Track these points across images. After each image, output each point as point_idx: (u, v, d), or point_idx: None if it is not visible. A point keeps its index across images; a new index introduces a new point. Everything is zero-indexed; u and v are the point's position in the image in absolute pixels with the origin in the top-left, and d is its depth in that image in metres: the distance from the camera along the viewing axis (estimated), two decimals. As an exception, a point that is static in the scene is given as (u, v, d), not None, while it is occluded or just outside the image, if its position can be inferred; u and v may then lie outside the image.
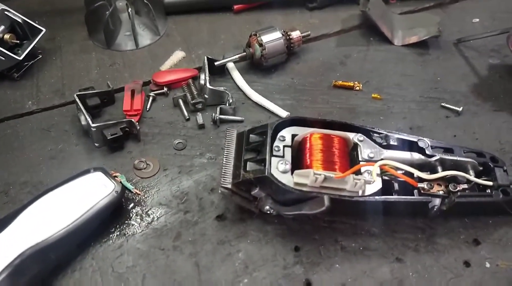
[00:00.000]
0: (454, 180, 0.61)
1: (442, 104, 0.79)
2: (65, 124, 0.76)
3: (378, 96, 0.81)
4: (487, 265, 0.59)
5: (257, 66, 0.85)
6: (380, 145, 0.64)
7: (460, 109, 0.78)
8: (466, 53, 0.90)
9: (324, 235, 0.62)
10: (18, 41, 0.83)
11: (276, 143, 0.62)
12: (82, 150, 0.72)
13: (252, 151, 0.63)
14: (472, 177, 0.61)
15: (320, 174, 0.54)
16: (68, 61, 0.87)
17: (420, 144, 0.64)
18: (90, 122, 0.69)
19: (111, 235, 0.62)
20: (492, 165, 0.63)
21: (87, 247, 0.60)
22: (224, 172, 0.60)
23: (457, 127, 0.76)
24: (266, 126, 0.63)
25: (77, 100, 0.72)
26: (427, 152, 0.63)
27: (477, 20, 0.98)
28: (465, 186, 0.60)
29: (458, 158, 0.63)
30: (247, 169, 0.59)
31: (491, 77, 0.86)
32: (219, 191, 0.59)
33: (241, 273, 0.58)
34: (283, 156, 0.60)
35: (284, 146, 0.61)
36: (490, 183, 0.61)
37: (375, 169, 0.57)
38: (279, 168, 0.58)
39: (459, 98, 0.81)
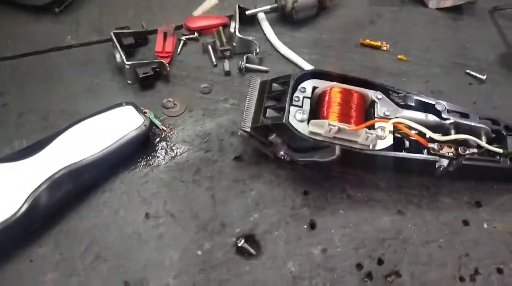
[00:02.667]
0: (465, 144, 0.63)
1: (467, 71, 0.80)
2: (101, 60, 0.81)
3: (404, 58, 0.82)
4: (485, 226, 0.63)
5: (287, 18, 0.87)
6: (397, 104, 0.66)
7: (484, 77, 0.78)
8: (500, 22, 0.89)
9: (333, 183, 0.66)
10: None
11: (297, 93, 0.65)
12: (115, 85, 0.77)
13: (273, 99, 0.66)
14: (483, 143, 0.63)
15: (334, 125, 0.57)
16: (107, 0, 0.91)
17: (437, 107, 0.65)
18: (124, 59, 0.74)
19: (138, 164, 0.68)
20: (505, 133, 0.65)
21: (116, 172, 0.67)
22: (245, 116, 0.64)
23: (478, 94, 0.77)
24: (289, 76, 0.66)
25: (114, 38, 0.77)
26: (443, 115, 0.65)
27: (519, -13, 0.95)
28: (475, 150, 0.63)
29: (473, 123, 0.64)
30: (266, 115, 0.63)
31: (522, 48, 0.85)
32: (239, 133, 0.63)
33: (252, 209, 0.64)
34: (301, 106, 0.63)
35: (304, 97, 0.64)
36: (500, 150, 0.63)
37: (388, 126, 0.59)
38: (296, 117, 0.61)
39: (485, 67, 0.81)
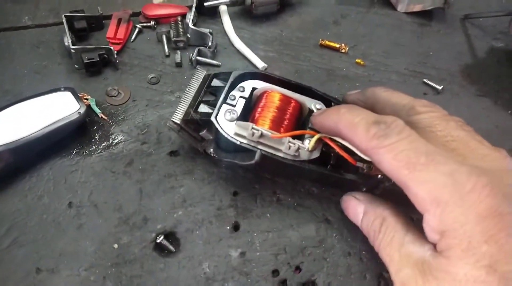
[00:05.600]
0: None
1: (424, 80, 0.77)
2: (54, 42, 0.80)
3: (362, 62, 0.80)
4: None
5: (249, 13, 0.85)
6: None
7: (440, 87, 0.76)
8: (471, 30, 0.86)
9: (264, 186, 0.65)
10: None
11: (234, 92, 0.63)
12: (63, 69, 0.76)
13: (211, 94, 0.65)
14: None
15: (258, 130, 0.56)
16: (69, -19, 0.90)
17: None
18: (70, 43, 0.73)
19: (70, 151, 0.67)
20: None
21: (47, 158, 0.66)
22: (178, 108, 0.63)
23: (431, 105, 0.74)
24: (230, 73, 0.64)
25: (64, 21, 0.76)
26: None
27: (497, -3, 0.92)
28: None
29: None
30: (198, 110, 0.62)
31: (487, 60, 0.82)
32: (167, 124, 0.62)
33: (177, 206, 0.63)
34: (234, 106, 0.62)
35: (240, 97, 0.63)
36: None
37: (315, 138, 0.57)
38: (226, 116, 0.60)
39: (445, 77, 0.78)
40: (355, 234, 0.61)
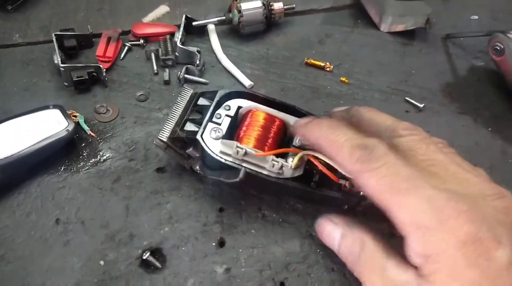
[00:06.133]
0: None
1: (406, 98, 0.80)
2: (44, 60, 0.81)
3: (346, 80, 0.82)
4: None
5: (236, 32, 0.87)
6: None
7: (422, 105, 0.78)
8: (452, 50, 0.89)
9: (250, 202, 0.66)
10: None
11: (220, 111, 0.64)
12: (52, 87, 0.78)
13: (198, 113, 0.66)
14: None
15: (242, 148, 0.57)
16: (60, 1, 0.91)
17: None
18: (59, 62, 0.74)
19: (59, 168, 0.68)
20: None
21: (35, 175, 0.67)
22: (165, 126, 0.64)
23: (413, 123, 0.76)
24: (216, 92, 0.66)
25: (54, 39, 0.77)
26: None
27: (476, 17, 0.95)
28: None
29: None
30: (185, 128, 0.63)
31: (468, 78, 0.84)
32: (154, 142, 0.63)
33: (164, 222, 0.64)
34: (220, 124, 0.63)
35: (226, 115, 0.64)
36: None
37: (298, 156, 0.59)
38: (211, 134, 0.61)
39: (426, 95, 0.81)
40: (338, 250, 0.62)
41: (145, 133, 0.73)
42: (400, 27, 0.90)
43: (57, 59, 0.75)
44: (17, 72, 0.79)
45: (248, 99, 0.67)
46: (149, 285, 0.58)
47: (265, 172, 0.59)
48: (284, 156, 0.61)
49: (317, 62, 0.83)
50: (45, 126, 0.67)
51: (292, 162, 0.59)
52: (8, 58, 0.82)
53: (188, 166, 0.65)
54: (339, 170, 0.59)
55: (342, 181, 0.61)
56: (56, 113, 0.68)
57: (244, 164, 0.59)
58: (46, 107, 0.69)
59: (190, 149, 0.64)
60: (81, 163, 0.69)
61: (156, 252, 0.61)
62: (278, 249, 0.62)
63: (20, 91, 0.77)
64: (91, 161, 0.69)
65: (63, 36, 0.79)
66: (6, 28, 0.86)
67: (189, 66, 0.79)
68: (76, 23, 0.86)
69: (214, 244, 0.62)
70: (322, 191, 0.60)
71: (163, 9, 0.89)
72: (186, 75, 0.79)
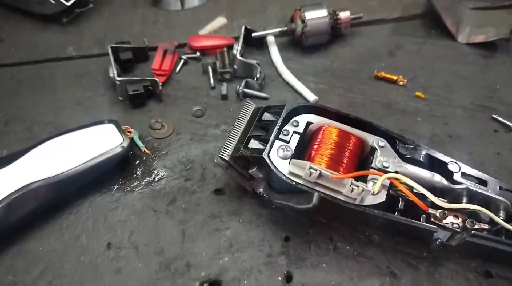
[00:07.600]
0: (476, 216, 0.53)
1: (494, 115, 0.70)
2: (98, 74, 0.78)
3: (422, 95, 0.73)
4: (495, 302, 0.52)
5: (298, 43, 0.81)
6: (402, 156, 0.56)
7: (513, 124, 0.68)
8: (540, 62, 0.79)
9: (319, 231, 0.58)
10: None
11: (287, 127, 0.58)
12: (106, 101, 0.74)
13: (262, 129, 0.60)
14: (498, 219, 0.51)
15: (316, 170, 0.50)
16: (115, 14, 0.89)
17: (450, 167, 0.55)
18: (115, 75, 0.70)
19: (111, 187, 0.63)
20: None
21: (87, 194, 0.62)
22: (227, 143, 0.58)
23: (503, 144, 0.67)
24: (283, 107, 0.59)
25: (110, 52, 0.74)
26: (455, 177, 0.55)
27: None
28: (486, 226, 0.52)
29: (490, 194, 0.53)
30: (249, 146, 0.57)
31: None
32: (215, 161, 0.57)
33: (223, 251, 0.57)
34: (288, 142, 0.56)
35: (294, 132, 0.58)
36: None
37: (381, 180, 0.51)
38: (279, 153, 0.55)
39: (516, 113, 0.71)
40: (426, 292, 0.53)
41: (202, 150, 0.67)
42: (480, 38, 0.80)
43: (112, 72, 0.72)
44: (70, 86, 0.77)
45: (318, 114, 0.60)
46: (208, 323, 0.51)
47: (342, 198, 0.51)
48: (362, 179, 0.53)
49: (388, 75, 0.76)
50: (99, 142, 0.62)
51: (373, 186, 0.51)
52: (62, 72, 0.79)
53: (250, 188, 0.58)
54: (429, 196, 0.51)
55: (432, 210, 0.52)
56: (111, 129, 0.64)
57: (317, 188, 0.51)
58: (101, 122, 0.65)
59: (254, 169, 0.57)
60: (135, 182, 0.64)
61: (215, 284, 0.54)
62: (354, 288, 0.54)
63: (72, 105, 0.74)
64: (145, 180, 0.64)
65: (119, 49, 0.75)
66: (60, 41, 0.84)
67: (249, 79, 0.73)
68: (131, 36, 0.83)
69: (280, 278, 0.54)
70: (409, 221, 0.51)
71: (220, 21, 0.85)
72: (245, 89, 0.73)
